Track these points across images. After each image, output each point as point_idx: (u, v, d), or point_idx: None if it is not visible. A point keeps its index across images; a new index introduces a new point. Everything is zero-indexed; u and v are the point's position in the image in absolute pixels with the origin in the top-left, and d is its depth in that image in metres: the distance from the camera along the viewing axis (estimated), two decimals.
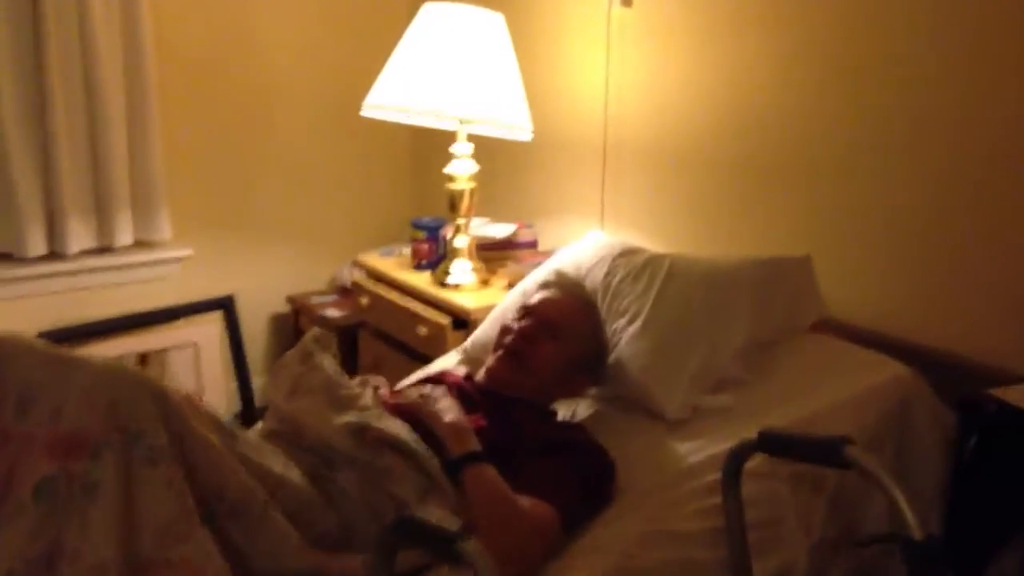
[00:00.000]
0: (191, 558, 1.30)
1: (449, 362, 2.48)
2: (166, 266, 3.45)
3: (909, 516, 1.21)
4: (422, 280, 2.99)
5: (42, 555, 1.26)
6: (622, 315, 2.18)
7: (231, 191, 3.60)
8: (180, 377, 3.43)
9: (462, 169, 2.86)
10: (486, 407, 1.94)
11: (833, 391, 1.94)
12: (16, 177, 3.02)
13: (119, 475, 1.31)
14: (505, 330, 2.08)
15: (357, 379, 1.94)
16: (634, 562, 1.65)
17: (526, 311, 2.08)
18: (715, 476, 1.78)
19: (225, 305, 3.55)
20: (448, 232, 3.01)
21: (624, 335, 2.13)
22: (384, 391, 1.94)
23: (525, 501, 1.69)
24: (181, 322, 3.47)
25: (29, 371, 1.40)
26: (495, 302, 2.72)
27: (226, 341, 3.56)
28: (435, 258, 3.05)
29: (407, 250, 3.23)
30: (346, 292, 3.70)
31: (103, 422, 1.33)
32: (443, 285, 2.90)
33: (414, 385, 2.09)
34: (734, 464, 1.45)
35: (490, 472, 1.71)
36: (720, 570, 1.64)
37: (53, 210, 3.13)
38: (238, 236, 3.63)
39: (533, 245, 3.08)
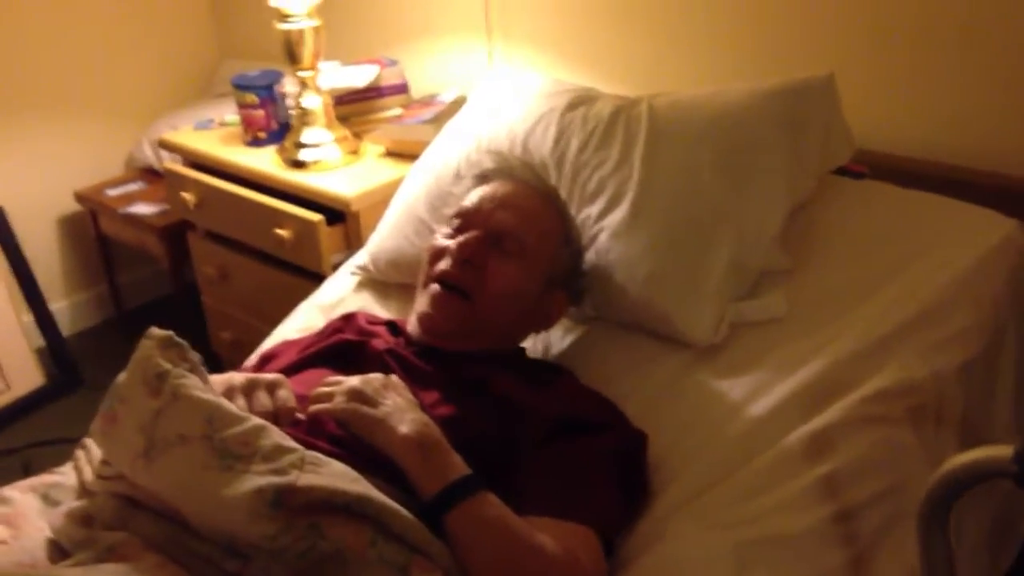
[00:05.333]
0: None
1: (342, 288, 1.77)
2: None
3: None
4: (265, 161, 2.21)
5: None
6: (593, 199, 1.52)
7: None
8: None
9: (298, 1, 2.04)
10: (442, 379, 1.30)
11: (924, 272, 1.38)
12: None
13: None
14: (437, 253, 1.39)
15: (240, 379, 1.23)
16: None
17: (463, 219, 1.39)
18: (799, 432, 1.24)
19: None
20: (284, 89, 2.22)
21: (603, 228, 1.49)
22: (284, 394, 1.23)
23: (548, 535, 1.09)
24: None
25: None
26: (380, 181, 2.03)
27: (5, 266, 2.69)
28: (277, 128, 2.26)
29: (231, 117, 2.40)
30: (153, 175, 2.85)
31: None
32: (296, 165, 2.14)
33: (314, 349, 1.40)
34: (947, 497, 0.86)
35: (490, 507, 1.10)
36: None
37: None
38: None
39: (403, 90, 2.32)
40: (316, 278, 1.98)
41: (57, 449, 2.35)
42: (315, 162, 2.12)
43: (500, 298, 1.34)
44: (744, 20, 1.85)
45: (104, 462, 1.17)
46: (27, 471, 2.27)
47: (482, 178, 1.46)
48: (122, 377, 1.12)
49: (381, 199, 1.92)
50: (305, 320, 1.69)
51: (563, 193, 1.54)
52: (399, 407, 1.18)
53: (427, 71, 2.38)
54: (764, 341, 1.37)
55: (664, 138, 1.50)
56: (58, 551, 1.12)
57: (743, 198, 1.44)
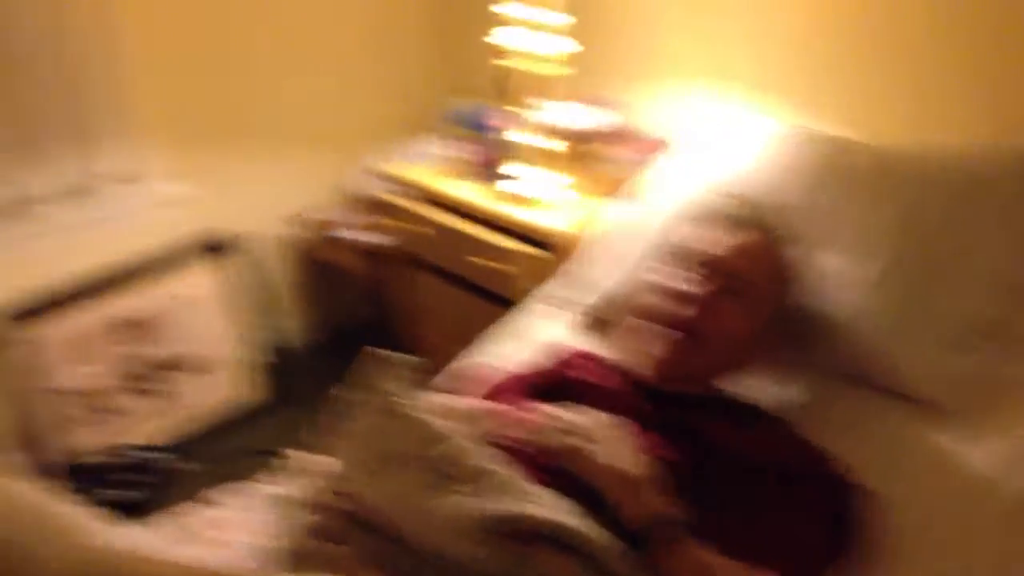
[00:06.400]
0: None
1: (558, 324, 1.75)
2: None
3: None
4: (478, 193, 2.25)
5: None
6: (825, 247, 1.45)
7: (199, 92, 2.76)
8: (184, 342, 2.71)
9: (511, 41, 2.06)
10: (664, 423, 1.27)
11: None
12: None
13: None
14: (661, 293, 1.37)
15: (459, 404, 1.25)
16: None
17: (690, 260, 1.36)
18: None
19: (219, 247, 2.80)
20: (500, 124, 2.25)
21: (847, 281, 1.42)
22: (502, 424, 1.23)
23: None
24: (167, 277, 2.71)
25: None
26: (596, 218, 2.01)
27: (231, 290, 2.83)
28: (492, 163, 2.28)
29: (448, 151, 2.45)
30: (373, 205, 2.93)
31: None
32: (509, 199, 2.16)
33: (536, 383, 1.40)
34: None
35: (700, 550, 1.08)
36: None
37: None
38: (215, 153, 2.82)
39: (623, 129, 2.28)
40: (522, 311, 1.97)
41: (263, 461, 2.43)
42: (529, 197, 2.13)
43: (725, 339, 1.33)
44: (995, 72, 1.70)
45: (332, 477, 1.19)
46: (232, 480, 2.37)
47: (711, 219, 1.42)
48: (347, 395, 1.16)
49: (596, 236, 1.90)
50: (519, 353, 1.68)
51: (793, 238, 1.48)
52: (616, 445, 1.16)
53: (650, 113, 2.35)
54: (1014, 404, 1.25)
55: (902, 188, 1.43)
56: (270, 559, 1.15)
57: (981, 249, 1.35)
